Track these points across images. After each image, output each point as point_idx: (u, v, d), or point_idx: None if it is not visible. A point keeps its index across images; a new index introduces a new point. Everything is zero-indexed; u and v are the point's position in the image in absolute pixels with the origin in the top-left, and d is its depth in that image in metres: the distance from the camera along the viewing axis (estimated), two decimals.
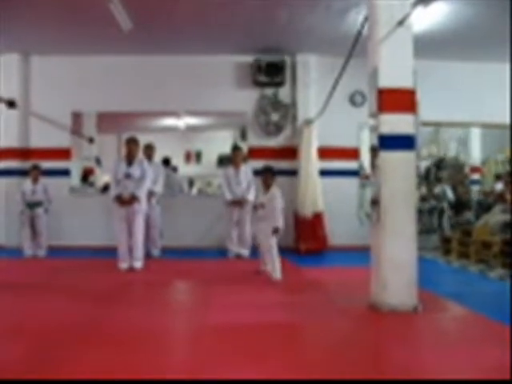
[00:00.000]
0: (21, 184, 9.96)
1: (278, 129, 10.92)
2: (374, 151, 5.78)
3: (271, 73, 10.58)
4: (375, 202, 5.65)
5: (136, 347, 4.25)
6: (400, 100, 5.57)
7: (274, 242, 7.26)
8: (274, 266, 7.20)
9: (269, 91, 10.88)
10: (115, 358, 3.99)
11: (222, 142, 18.25)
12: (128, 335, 4.62)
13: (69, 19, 8.83)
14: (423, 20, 8.29)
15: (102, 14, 7.94)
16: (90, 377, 3.56)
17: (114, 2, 7.52)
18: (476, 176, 14.57)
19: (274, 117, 10.86)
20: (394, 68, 5.58)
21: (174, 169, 14.23)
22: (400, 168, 5.57)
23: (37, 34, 9.80)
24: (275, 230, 7.04)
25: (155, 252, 9.45)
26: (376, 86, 5.63)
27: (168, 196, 10.58)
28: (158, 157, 11.83)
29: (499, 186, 12.20)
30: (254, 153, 10.92)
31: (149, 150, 9.59)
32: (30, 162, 10.32)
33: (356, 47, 6.58)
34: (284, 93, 10.92)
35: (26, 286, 6.94)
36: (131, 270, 7.99)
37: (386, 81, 5.58)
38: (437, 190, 12.34)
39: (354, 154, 10.96)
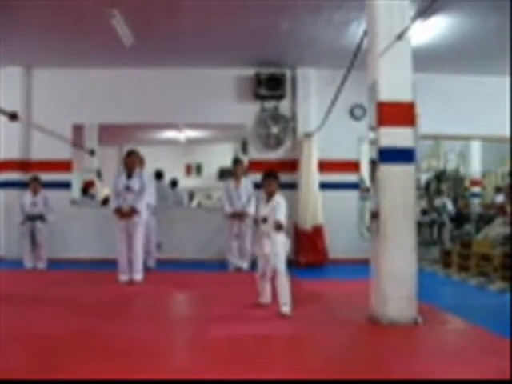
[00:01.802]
0: (21, 196, 9.98)
1: (278, 142, 10.96)
2: (373, 164, 5.80)
3: (272, 86, 10.64)
4: (375, 215, 5.66)
5: (134, 360, 4.23)
6: (399, 113, 5.59)
7: (282, 257, 6.01)
8: (284, 294, 5.88)
9: (269, 104, 10.93)
10: (112, 370, 3.97)
11: (222, 155, 18.25)
12: (126, 348, 4.60)
13: (71, 33, 8.90)
14: (422, 33, 8.37)
15: (104, 27, 7.99)
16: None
17: (117, 17, 7.58)
18: (476, 189, 14.59)
19: (275, 130, 10.90)
20: (394, 81, 5.61)
21: (174, 182, 14.23)
22: (399, 181, 5.58)
23: (39, 47, 9.87)
24: (278, 226, 5.92)
25: (151, 263, 9.42)
26: (375, 99, 5.66)
27: (161, 208, 10.54)
28: (155, 169, 11.89)
29: (500, 199, 12.20)
30: (255, 166, 10.93)
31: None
32: (31, 174, 10.34)
33: (356, 60, 6.63)
34: (284, 106, 10.97)
35: (26, 298, 6.92)
36: (131, 282, 7.98)
37: (386, 94, 5.60)
38: (437, 202, 12.35)
39: (354, 167, 10.99)
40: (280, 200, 6.12)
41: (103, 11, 7.45)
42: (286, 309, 5.78)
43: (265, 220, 6.12)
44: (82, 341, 4.79)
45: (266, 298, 6.22)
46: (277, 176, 6.34)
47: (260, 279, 6.22)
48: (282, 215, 5.99)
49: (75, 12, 7.95)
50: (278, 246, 5.97)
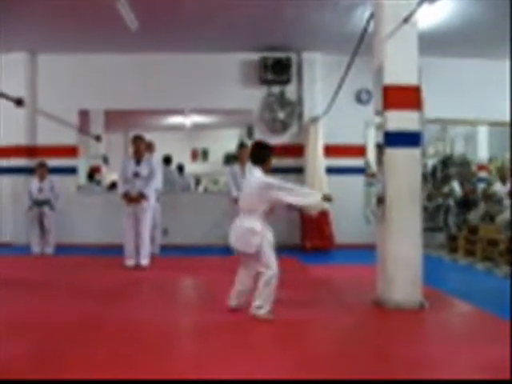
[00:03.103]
0: (28, 182, 10.02)
1: (284, 126, 10.94)
2: (379, 148, 5.79)
3: (277, 71, 10.59)
4: (381, 200, 5.66)
5: (140, 348, 4.26)
6: (405, 97, 5.58)
7: (266, 245, 5.10)
8: (263, 293, 5.02)
9: (275, 89, 10.89)
10: (119, 355, 4.01)
11: (228, 140, 18.25)
12: (133, 333, 4.65)
13: (76, 18, 8.87)
14: (429, 17, 8.29)
15: (109, 12, 7.98)
16: (93, 375, 3.58)
17: (121, 1, 7.55)
18: (483, 174, 14.51)
19: (281, 114, 10.87)
20: (400, 65, 5.59)
21: (180, 167, 14.24)
22: (405, 165, 5.58)
23: (44, 33, 9.84)
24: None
25: (154, 249, 9.44)
26: (381, 83, 5.64)
27: (168, 193, 10.55)
28: (162, 154, 11.87)
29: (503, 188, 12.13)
30: None
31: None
32: (37, 159, 10.38)
33: (362, 45, 6.59)
34: (290, 90, 10.93)
35: (34, 283, 6.99)
36: (138, 267, 8.02)
37: (392, 78, 5.59)
38: (445, 188, 12.28)
39: (360, 151, 10.95)
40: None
41: None
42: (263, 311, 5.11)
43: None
44: (88, 327, 4.82)
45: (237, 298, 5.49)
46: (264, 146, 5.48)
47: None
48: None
49: None
50: None
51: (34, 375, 3.51)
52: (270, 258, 5.03)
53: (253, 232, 5.06)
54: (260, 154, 5.32)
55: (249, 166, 5.65)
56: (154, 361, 3.82)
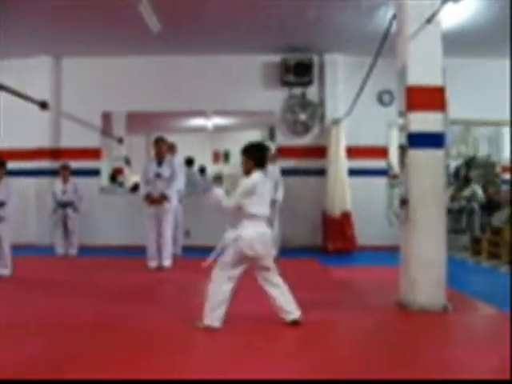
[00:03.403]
0: (52, 184, 10.12)
1: (306, 128, 10.92)
2: (402, 150, 5.75)
3: (299, 72, 10.58)
4: (404, 201, 5.62)
5: (163, 345, 4.29)
6: (429, 98, 5.54)
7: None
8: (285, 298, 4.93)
9: (297, 91, 10.88)
10: (138, 355, 4.03)
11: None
12: (156, 333, 4.67)
13: (98, 21, 8.95)
14: (452, 16, 8.21)
15: (131, 15, 8.03)
16: (110, 375, 3.61)
17: (144, 3, 7.60)
18: (507, 175, 14.34)
19: (302, 116, 10.86)
20: (423, 65, 5.55)
21: (202, 169, 14.29)
22: (429, 166, 5.53)
23: (68, 37, 9.93)
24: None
25: (177, 250, 9.47)
26: (405, 84, 5.61)
27: (190, 195, 10.59)
28: (183, 156, 11.91)
29: None
30: (283, 152, 10.92)
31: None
32: (61, 161, 10.49)
33: (384, 46, 6.55)
34: (312, 92, 10.91)
35: (58, 284, 7.08)
36: (160, 268, 8.06)
37: (415, 78, 5.55)
38: (467, 192, 12.16)
39: (382, 153, 10.89)
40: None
41: None
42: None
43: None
44: (110, 327, 4.86)
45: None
46: (254, 150, 5.09)
47: None
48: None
49: (102, 0, 7.98)
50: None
51: (52, 375, 3.54)
52: None
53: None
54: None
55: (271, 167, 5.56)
56: (170, 361, 3.84)
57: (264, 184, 4.98)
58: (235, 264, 4.85)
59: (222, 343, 4.45)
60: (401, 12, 5.76)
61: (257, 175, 4.93)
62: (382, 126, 10.67)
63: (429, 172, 5.53)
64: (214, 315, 4.73)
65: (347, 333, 4.89)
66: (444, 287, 5.47)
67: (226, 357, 4.03)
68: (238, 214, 5.03)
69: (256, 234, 4.86)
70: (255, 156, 5.00)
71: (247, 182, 4.89)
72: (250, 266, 4.93)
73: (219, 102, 11.17)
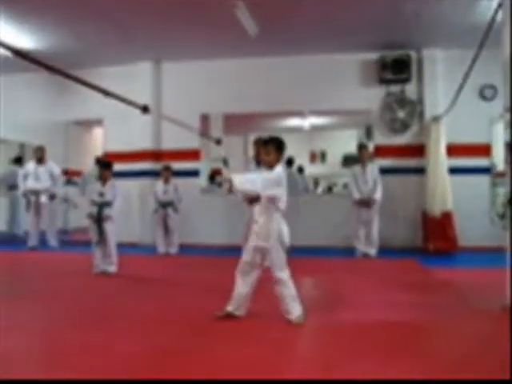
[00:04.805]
0: (154, 184, 10.47)
1: (404, 126, 10.69)
2: (508, 147, 5.51)
3: (397, 69, 10.38)
4: (511, 201, 5.38)
5: (264, 341, 4.34)
6: None
7: (280, 252, 5.30)
8: (289, 298, 5.16)
9: (395, 88, 10.68)
10: (243, 350, 4.09)
11: (346, 141, 18.14)
12: (258, 330, 4.73)
13: (196, 26, 9.18)
14: None
15: (229, 18, 8.20)
16: (220, 375, 3.68)
17: (240, 7, 7.72)
18: None
19: (401, 114, 10.64)
20: None
21: (300, 169, 14.34)
22: None
23: (167, 42, 10.29)
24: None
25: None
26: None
27: (290, 195, 10.60)
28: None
29: None
30: (381, 151, 10.76)
31: None
32: (162, 163, 10.84)
33: (488, 37, 6.28)
34: (410, 89, 10.67)
35: (161, 281, 7.33)
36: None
37: None
38: None
39: (485, 150, 10.46)
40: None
41: (227, 2, 7.63)
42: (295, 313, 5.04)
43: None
44: (215, 323, 4.97)
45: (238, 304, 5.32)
46: (278, 142, 5.02)
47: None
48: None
49: (200, 5, 8.19)
50: None
51: (156, 375, 3.66)
52: None
53: None
54: None
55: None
56: (276, 360, 3.88)
57: (284, 178, 5.00)
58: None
59: (326, 342, 4.44)
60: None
61: (281, 168, 4.91)
62: (485, 122, 10.27)
63: None
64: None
65: (450, 335, 4.73)
66: None
67: (329, 355, 4.02)
68: (268, 205, 5.15)
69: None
70: (281, 148, 5.00)
71: (277, 172, 4.91)
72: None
73: (316, 102, 11.15)
